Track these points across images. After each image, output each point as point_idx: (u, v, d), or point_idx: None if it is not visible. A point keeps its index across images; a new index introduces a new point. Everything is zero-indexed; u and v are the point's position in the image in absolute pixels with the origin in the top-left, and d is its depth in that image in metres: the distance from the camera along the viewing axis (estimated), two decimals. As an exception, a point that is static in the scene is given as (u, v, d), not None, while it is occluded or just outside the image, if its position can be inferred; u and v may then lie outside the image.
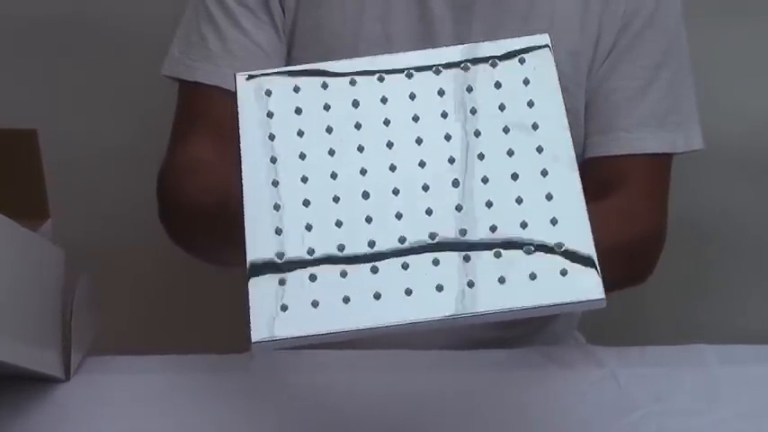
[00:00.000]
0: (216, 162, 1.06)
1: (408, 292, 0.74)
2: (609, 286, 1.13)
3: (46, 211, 1.07)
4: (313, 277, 0.75)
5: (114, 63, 1.42)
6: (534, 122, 0.80)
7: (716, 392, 1.02)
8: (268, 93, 0.83)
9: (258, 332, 0.73)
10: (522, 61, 0.83)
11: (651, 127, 1.17)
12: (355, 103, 0.81)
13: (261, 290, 0.75)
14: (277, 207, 0.78)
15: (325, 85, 0.82)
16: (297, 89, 0.82)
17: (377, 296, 0.74)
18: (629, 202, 1.14)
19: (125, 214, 1.42)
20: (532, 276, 0.74)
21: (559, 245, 0.75)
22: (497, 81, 0.82)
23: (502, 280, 0.74)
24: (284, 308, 0.74)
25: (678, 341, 1.10)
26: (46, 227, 1.06)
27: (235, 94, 0.84)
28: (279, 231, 0.77)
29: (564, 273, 0.74)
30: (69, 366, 1.03)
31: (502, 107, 0.81)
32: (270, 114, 0.82)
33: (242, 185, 0.79)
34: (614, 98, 1.17)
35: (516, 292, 0.74)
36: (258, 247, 0.76)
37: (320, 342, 0.75)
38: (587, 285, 0.74)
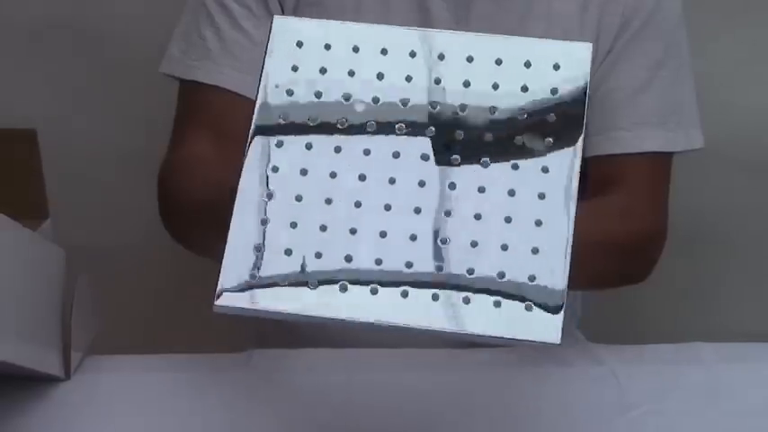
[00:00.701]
0: (214, 158, 1.07)
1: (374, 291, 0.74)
2: (604, 282, 1.14)
3: (45, 211, 1.07)
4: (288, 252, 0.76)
5: (114, 63, 1.42)
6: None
7: (715, 390, 1.02)
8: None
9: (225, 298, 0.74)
10: (556, 67, 0.80)
11: (651, 126, 1.17)
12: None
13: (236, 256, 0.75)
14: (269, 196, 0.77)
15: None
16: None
17: (343, 288, 0.74)
18: (630, 200, 1.15)
19: (124, 214, 1.42)
20: (497, 304, 0.74)
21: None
22: (525, 85, 0.79)
23: (467, 300, 0.74)
24: (254, 277, 0.75)
25: (677, 339, 1.10)
26: (45, 226, 1.06)
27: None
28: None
29: (529, 308, 0.73)
30: (69, 365, 1.03)
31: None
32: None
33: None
34: (614, 97, 1.17)
35: (476, 318, 0.73)
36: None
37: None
38: (546, 327, 0.73)
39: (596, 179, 1.18)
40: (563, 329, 1.31)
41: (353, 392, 0.98)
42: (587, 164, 1.19)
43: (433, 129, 0.79)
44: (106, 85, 1.44)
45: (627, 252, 1.12)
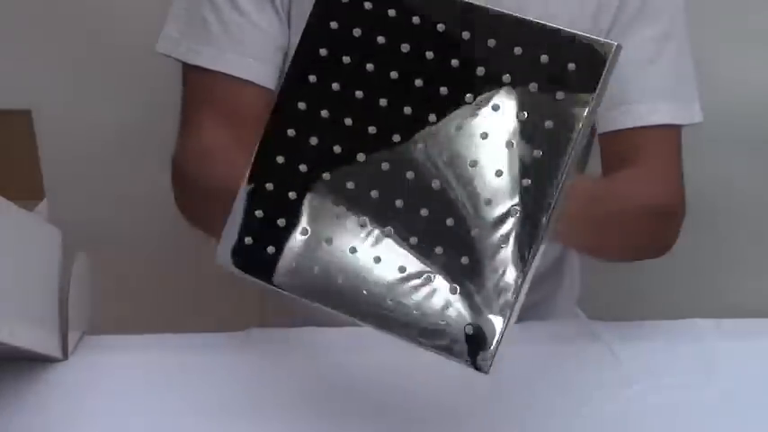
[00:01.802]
0: (232, 145, 1.07)
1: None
2: (634, 253, 1.14)
3: (41, 192, 1.07)
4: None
5: (110, 44, 1.42)
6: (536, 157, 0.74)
7: (713, 366, 1.02)
8: None
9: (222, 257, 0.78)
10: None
11: (662, 98, 1.17)
12: None
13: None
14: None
15: None
16: None
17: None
18: (657, 168, 1.15)
19: (120, 194, 1.42)
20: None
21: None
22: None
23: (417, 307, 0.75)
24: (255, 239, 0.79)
25: (676, 316, 1.10)
26: (41, 207, 1.06)
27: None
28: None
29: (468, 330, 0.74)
30: (67, 346, 1.03)
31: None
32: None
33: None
34: (623, 71, 1.16)
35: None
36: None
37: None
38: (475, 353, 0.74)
39: (611, 155, 1.18)
40: (563, 306, 1.31)
41: (352, 370, 0.98)
42: (601, 142, 1.19)
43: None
44: (102, 65, 1.44)
45: (667, 215, 1.14)
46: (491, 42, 0.76)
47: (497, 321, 0.73)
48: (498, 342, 0.73)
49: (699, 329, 1.08)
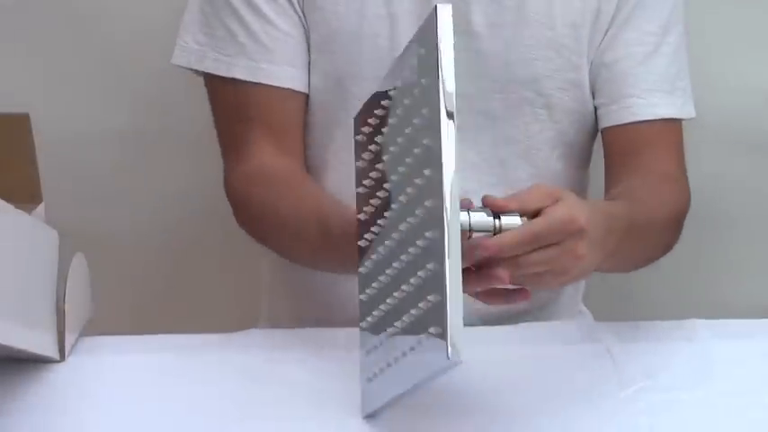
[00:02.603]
0: (290, 170, 1.14)
1: None
2: (648, 262, 1.15)
3: (39, 196, 1.07)
4: None
5: (109, 47, 1.42)
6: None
7: (709, 367, 1.02)
8: None
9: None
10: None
11: (662, 92, 1.17)
12: None
13: None
14: None
15: None
16: None
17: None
18: (663, 167, 1.16)
19: (118, 199, 1.42)
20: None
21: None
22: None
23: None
24: None
25: (671, 316, 1.10)
26: (39, 211, 1.06)
27: None
28: None
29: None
30: (64, 347, 1.03)
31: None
32: None
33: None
34: (623, 65, 1.17)
35: None
36: None
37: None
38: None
39: (614, 151, 1.18)
40: (568, 306, 1.32)
41: (352, 371, 0.98)
42: (603, 137, 1.19)
43: None
44: (100, 69, 1.44)
45: (679, 218, 1.14)
46: None
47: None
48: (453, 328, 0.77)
49: (695, 330, 1.07)
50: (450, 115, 0.78)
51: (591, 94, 1.18)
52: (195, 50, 1.16)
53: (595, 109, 1.19)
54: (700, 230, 1.48)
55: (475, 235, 0.86)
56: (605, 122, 1.18)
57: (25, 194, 1.05)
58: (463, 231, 0.80)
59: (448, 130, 0.78)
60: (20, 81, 1.42)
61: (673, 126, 1.19)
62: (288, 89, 1.15)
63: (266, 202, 1.12)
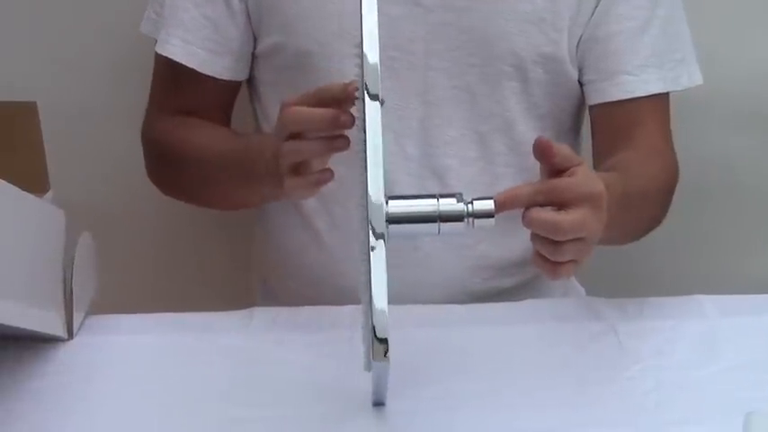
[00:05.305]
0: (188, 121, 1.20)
1: None
2: (648, 229, 1.17)
3: (46, 184, 1.07)
4: None
5: (116, 34, 1.41)
6: None
7: (715, 344, 1.02)
8: None
9: None
10: None
11: (654, 67, 1.17)
12: None
13: None
14: None
15: None
16: None
17: None
18: (652, 141, 1.17)
19: (127, 186, 1.42)
20: None
21: None
22: None
23: None
24: None
25: (677, 292, 1.10)
26: (47, 198, 1.07)
27: None
28: None
29: None
30: (72, 326, 1.03)
31: None
32: None
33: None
34: (614, 42, 1.17)
35: None
36: None
37: None
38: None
39: (604, 127, 1.18)
40: (560, 281, 1.32)
41: (351, 349, 0.98)
42: (594, 113, 1.19)
43: None
44: (108, 56, 1.43)
45: (669, 192, 1.16)
46: None
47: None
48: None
49: (701, 307, 1.07)
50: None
51: (572, 67, 1.18)
52: (151, 20, 1.23)
53: (581, 84, 1.19)
54: (703, 206, 1.49)
55: (448, 223, 0.88)
56: (596, 99, 1.18)
57: (33, 182, 1.05)
58: None
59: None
60: (27, 69, 1.41)
61: (662, 100, 1.19)
62: (194, 70, 1.19)
63: (174, 137, 1.20)
